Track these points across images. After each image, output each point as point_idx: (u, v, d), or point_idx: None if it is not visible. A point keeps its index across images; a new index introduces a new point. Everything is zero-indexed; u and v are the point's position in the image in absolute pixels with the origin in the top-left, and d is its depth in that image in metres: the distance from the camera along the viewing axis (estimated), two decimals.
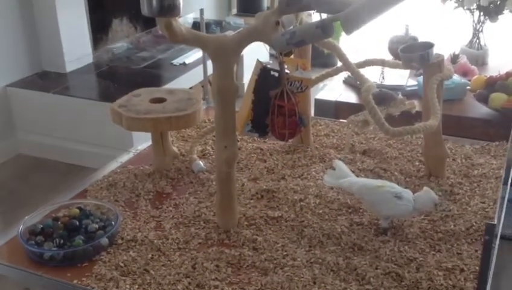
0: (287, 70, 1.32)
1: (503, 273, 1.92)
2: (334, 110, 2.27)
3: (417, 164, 1.50)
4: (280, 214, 1.28)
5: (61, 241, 1.17)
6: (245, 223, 1.25)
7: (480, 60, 2.69)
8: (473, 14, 2.67)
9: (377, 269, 1.10)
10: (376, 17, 1.00)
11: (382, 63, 1.49)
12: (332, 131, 1.71)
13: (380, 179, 1.34)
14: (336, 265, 1.11)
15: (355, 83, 2.32)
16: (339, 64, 1.43)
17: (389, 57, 2.58)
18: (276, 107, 1.28)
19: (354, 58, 1.40)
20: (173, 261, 1.14)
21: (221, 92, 1.15)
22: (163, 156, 1.49)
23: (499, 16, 2.60)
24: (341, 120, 1.79)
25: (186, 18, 3.51)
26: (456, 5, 2.65)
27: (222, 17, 4.10)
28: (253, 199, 1.36)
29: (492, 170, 1.46)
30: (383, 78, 2.24)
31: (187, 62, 3.10)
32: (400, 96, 1.41)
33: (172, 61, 3.12)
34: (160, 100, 1.51)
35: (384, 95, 1.40)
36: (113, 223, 1.22)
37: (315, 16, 1.20)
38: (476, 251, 1.15)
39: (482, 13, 2.64)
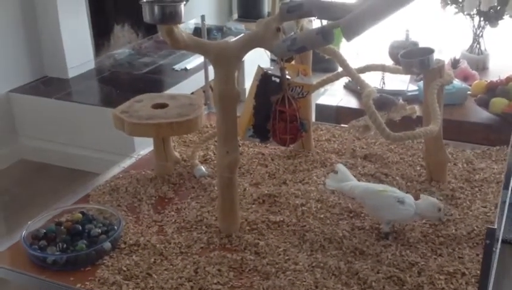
0: (288, 76, 1.33)
1: (505, 278, 1.92)
2: (335, 115, 2.28)
3: (418, 168, 1.51)
4: (282, 219, 1.29)
5: (64, 245, 1.18)
6: (247, 228, 1.26)
7: (480, 65, 2.70)
8: (473, 19, 2.68)
9: (378, 273, 1.10)
10: (376, 23, 1.01)
11: (382, 68, 1.50)
12: (333, 136, 1.72)
13: (381, 184, 1.34)
14: (338, 269, 1.11)
15: (355, 88, 2.33)
16: (340, 69, 1.44)
17: (389, 62, 2.59)
18: (277, 112, 1.29)
19: (354, 64, 1.41)
20: (175, 265, 1.15)
21: (222, 97, 1.15)
22: (165, 161, 1.50)
23: (499, 21, 2.61)
24: (342, 125, 1.80)
25: (187, 24, 3.52)
26: (456, 10, 2.66)
27: (223, 23, 4.11)
28: (255, 203, 1.36)
29: (493, 174, 1.47)
30: (384, 83, 2.25)
31: (188, 68, 3.11)
32: (401, 101, 1.41)
33: (173, 67, 3.13)
34: (162, 106, 1.52)
35: (385, 100, 1.40)
36: (115, 227, 1.23)
37: (316, 23, 1.22)
38: (478, 255, 1.15)
39: (482, 18, 2.65)
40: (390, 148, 1.63)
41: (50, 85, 2.90)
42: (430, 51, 1.28)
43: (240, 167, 1.48)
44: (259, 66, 1.35)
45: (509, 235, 2.06)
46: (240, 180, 1.44)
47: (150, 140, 1.53)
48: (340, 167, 1.30)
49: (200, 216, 1.31)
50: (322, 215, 1.30)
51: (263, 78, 1.33)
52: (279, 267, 1.13)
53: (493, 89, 2.09)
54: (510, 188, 1.39)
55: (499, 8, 2.56)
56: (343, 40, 1.04)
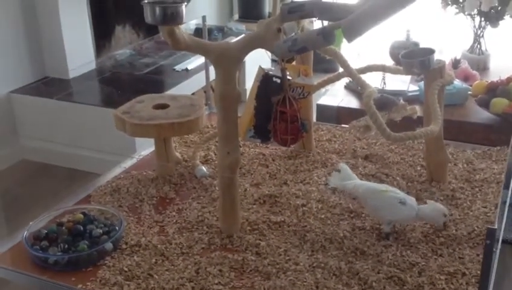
0: (289, 77, 1.33)
1: (505, 278, 1.92)
2: (335, 115, 2.28)
3: (419, 168, 1.51)
4: (282, 219, 1.29)
5: (66, 246, 1.18)
6: (248, 228, 1.26)
7: (481, 65, 2.71)
8: (473, 20, 2.68)
9: (379, 273, 1.10)
10: (377, 24, 1.01)
11: (383, 68, 1.50)
12: (334, 136, 1.72)
13: (384, 184, 1.34)
14: (338, 269, 1.11)
15: (356, 88, 2.34)
16: (341, 70, 1.44)
17: (390, 62, 2.59)
18: (278, 113, 1.29)
19: (355, 64, 1.42)
20: (177, 265, 1.15)
21: (223, 98, 1.16)
22: (166, 162, 1.50)
23: (500, 21, 2.61)
24: (343, 125, 1.80)
25: (188, 24, 3.53)
26: (457, 10, 2.67)
27: (224, 23, 4.12)
28: (256, 204, 1.37)
29: (494, 174, 1.47)
30: (385, 83, 2.25)
31: (189, 68, 3.11)
32: (401, 101, 1.41)
33: (174, 67, 3.14)
34: (163, 106, 1.52)
35: (386, 101, 1.40)
36: (117, 228, 1.23)
37: (317, 23, 1.22)
38: (478, 255, 1.15)
39: (482, 18, 2.65)
40: (391, 149, 1.63)
41: (51, 86, 2.90)
42: (430, 52, 1.28)
43: (240, 167, 1.49)
44: (260, 67, 1.35)
45: (509, 235, 2.06)
46: (241, 181, 1.44)
47: (151, 140, 1.53)
48: (343, 166, 1.30)
49: (201, 216, 1.31)
50: (322, 216, 1.30)
51: (264, 78, 1.33)
52: (280, 267, 1.13)
53: (494, 90, 2.09)
54: (510, 189, 1.39)
55: (499, 8, 2.56)
56: (344, 40, 1.04)
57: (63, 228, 1.24)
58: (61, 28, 2.84)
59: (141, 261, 1.16)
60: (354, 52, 3.32)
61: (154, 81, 3.00)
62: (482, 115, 2.13)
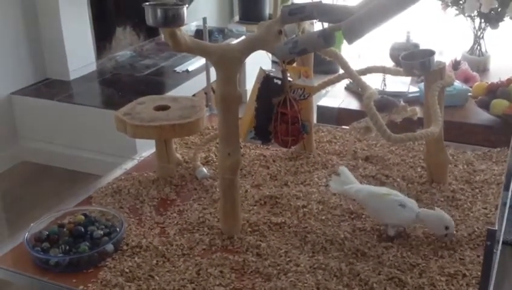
0: (289, 78, 1.33)
1: (506, 279, 1.92)
2: (336, 116, 2.29)
3: (419, 170, 1.51)
4: (283, 220, 1.29)
5: (67, 247, 1.18)
6: (248, 229, 1.27)
7: (481, 67, 2.71)
8: (473, 21, 2.69)
9: (379, 274, 1.11)
10: (377, 26, 1.02)
11: (383, 70, 1.51)
12: (335, 137, 1.73)
13: (383, 186, 1.35)
14: (339, 271, 1.12)
15: (357, 89, 2.34)
16: (341, 71, 1.44)
17: (390, 63, 2.60)
18: (279, 114, 1.29)
19: (355, 66, 1.42)
20: (178, 267, 1.15)
21: (224, 100, 1.16)
22: (167, 163, 1.50)
23: (500, 23, 2.62)
24: (343, 127, 1.80)
25: (189, 26, 3.53)
26: (457, 12, 2.67)
27: (224, 25, 4.13)
28: (257, 205, 1.37)
29: (494, 176, 1.47)
30: (385, 85, 2.26)
31: (190, 69, 3.12)
32: (402, 103, 1.42)
33: (175, 69, 3.14)
34: (164, 108, 1.52)
35: (386, 102, 1.41)
36: (118, 229, 1.23)
37: (317, 25, 1.22)
38: (478, 256, 1.16)
39: (482, 20, 2.66)
40: (391, 150, 1.63)
41: (52, 87, 2.91)
42: (431, 53, 1.28)
43: (241, 168, 1.49)
44: (261, 68, 1.36)
45: (509, 236, 2.06)
46: (242, 182, 1.45)
47: (152, 142, 1.54)
48: (342, 169, 1.30)
49: (202, 218, 1.31)
50: (323, 217, 1.30)
51: (265, 80, 1.33)
52: (281, 268, 1.13)
53: (494, 91, 2.10)
54: (511, 190, 1.39)
55: (499, 9, 2.56)
56: (344, 42, 1.05)
57: (64, 229, 1.24)
58: (61, 30, 2.84)
59: (142, 263, 1.16)
60: (355, 53, 3.33)
61: (154, 83, 3.01)
62: (482, 116, 2.13)
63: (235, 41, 3.42)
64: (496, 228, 0.96)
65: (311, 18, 1.16)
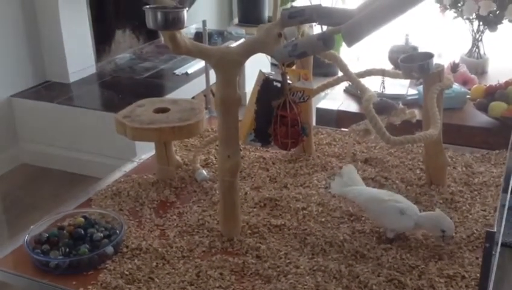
0: (289, 81, 1.34)
1: (505, 280, 1.93)
2: (335, 119, 2.29)
3: (418, 172, 1.52)
4: (283, 222, 1.29)
5: (67, 249, 1.18)
6: (248, 232, 1.27)
7: (479, 69, 2.72)
8: (472, 24, 2.70)
9: (379, 276, 1.11)
10: (377, 29, 1.02)
11: (382, 72, 1.51)
12: (334, 140, 1.73)
13: (384, 189, 1.35)
14: (339, 273, 1.12)
15: (356, 92, 2.35)
16: (340, 74, 1.45)
17: (389, 66, 2.61)
18: (278, 117, 1.30)
19: (354, 68, 1.43)
20: (177, 269, 1.15)
21: (224, 102, 1.16)
22: (166, 166, 1.51)
23: (498, 26, 2.63)
24: (342, 129, 1.81)
25: (188, 28, 3.54)
26: (456, 14, 2.68)
27: (224, 27, 4.13)
28: (256, 207, 1.37)
29: (493, 178, 1.48)
30: (384, 87, 2.26)
31: (189, 72, 3.13)
32: (401, 105, 1.42)
33: (174, 71, 3.15)
34: (164, 110, 1.53)
35: (385, 105, 1.41)
36: (117, 231, 1.24)
37: (317, 28, 1.23)
38: (477, 258, 1.16)
39: (481, 23, 2.67)
40: (390, 152, 1.64)
41: (51, 90, 2.91)
42: (429, 56, 1.29)
43: (241, 171, 1.49)
44: (260, 71, 1.36)
45: (508, 238, 2.07)
46: (241, 184, 1.45)
47: (151, 144, 1.54)
48: (349, 169, 1.30)
49: (202, 220, 1.31)
50: (323, 219, 1.31)
51: (264, 83, 1.34)
52: (281, 270, 1.14)
53: (492, 93, 2.10)
54: (509, 192, 1.40)
55: (497, 12, 2.57)
56: (344, 44, 1.05)
57: (64, 231, 1.24)
58: (61, 32, 2.85)
59: (142, 265, 1.16)
60: (354, 56, 3.34)
61: (154, 85, 3.01)
62: (480, 118, 2.14)
63: (234, 43, 3.43)
64: (495, 230, 0.96)
65: (310, 21, 1.16)
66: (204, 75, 1.94)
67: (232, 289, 1.10)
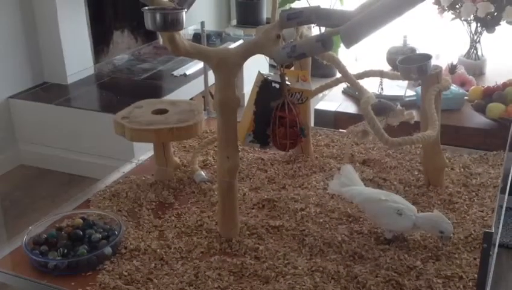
0: (287, 82, 1.34)
1: (502, 281, 1.93)
2: (333, 120, 2.30)
3: (416, 173, 1.52)
4: (281, 223, 1.30)
5: (65, 250, 1.18)
6: (247, 232, 1.27)
7: (477, 71, 2.73)
8: (470, 25, 2.70)
9: (377, 277, 1.11)
10: (375, 31, 1.03)
11: (381, 74, 1.52)
12: (332, 141, 1.73)
13: (383, 190, 1.35)
14: (337, 273, 1.12)
15: (354, 93, 2.35)
16: (339, 75, 1.45)
17: (387, 67, 2.61)
18: (277, 118, 1.30)
19: (353, 69, 1.43)
20: (176, 270, 1.15)
21: (223, 104, 1.17)
22: (165, 167, 1.51)
23: (496, 27, 2.63)
24: (340, 130, 1.81)
25: (186, 30, 3.54)
26: (454, 16, 2.69)
27: (222, 29, 4.14)
28: (255, 208, 1.37)
29: (491, 179, 1.48)
30: (382, 88, 2.27)
31: (188, 73, 3.13)
32: (399, 106, 1.42)
33: (173, 72, 3.15)
34: (162, 111, 1.53)
35: (383, 106, 1.41)
36: (116, 232, 1.24)
37: (315, 29, 1.23)
38: (475, 258, 1.16)
39: (479, 24, 2.67)
40: (388, 153, 1.64)
41: (49, 91, 2.91)
42: (427, 57, 1.29)
43: (239, 172, 1.49)
44: (259, 72, 1.36)
45: (506, 239, 2.07)
46: (240, 185, 1.45)
47: (150, 145, 1.54)
48: (347, 169, 1.30)
49: (200, 221, 1.32)
50: (321, 220, 1.31)
51: (263, 84, 1.34)
52: (279, 271, 1.14)
53: (490, 95, 2.11)
54: (507, 193, 1.40)
55: (495, 14, 2.58)
56: (342, 46, 1.05)
57: (63, 232, 1.24)
58: (59, 34, 2.85)
59: (140, 266, 1.16)
60: (352, 57, 3.34)
61: (152, 87, 3.01)
62: (478, 120, 2.15)
63: (232, 45, 3.43)
64: (493, 231, 0.97)
65: (309, 22, 1.17)
66: (202, 76, 1.94)
67: (231, 289, 1.10)
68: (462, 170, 1.54)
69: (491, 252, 0.97)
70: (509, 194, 1.42)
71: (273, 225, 1.29)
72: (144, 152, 1.69)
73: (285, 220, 1.31)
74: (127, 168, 1.61)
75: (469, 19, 2.65)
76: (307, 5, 1.16)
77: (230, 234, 1.25)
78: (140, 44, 3.53)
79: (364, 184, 1.43)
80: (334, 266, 1.14)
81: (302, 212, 1.34)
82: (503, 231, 2.10)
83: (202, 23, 1.87)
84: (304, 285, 1.09)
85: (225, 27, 4.27)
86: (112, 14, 3.29)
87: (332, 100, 2.41)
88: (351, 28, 1.03)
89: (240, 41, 3.53)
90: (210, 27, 3.97)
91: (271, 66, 2.55)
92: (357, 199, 1.25)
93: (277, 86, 1.33)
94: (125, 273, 1.14)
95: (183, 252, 1.21)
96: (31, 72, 2.92)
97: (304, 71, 1.49)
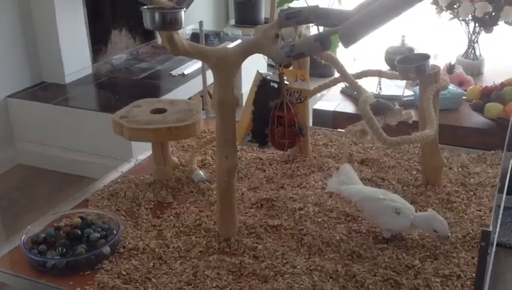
0: (286, 82, 1.34)
1: (500, 280, 1.93)
2: (332, 120, 2.30)
3: (414, 173, 1.52)
4: (280, 223, 1.30)
5: (64, 250, 1.19)
6: (245, 232, 1.27)
7: (475, 70, 2.73)
8: (468, 25, 2.71)
9: (375, 276, 1.11)
10: (373, 30, 1.03)
11: (379, 74, 1.52)
12: (331, 141, 1.74)
13: (382, 189, 1.35)
14: (335, 272, 1.12)
15: (352, 93, 2.35)
16: (337, 75, 1.45)
17: (385, 67, 2.62)
18: (276, 117, 1.30)
19: (351, 69, 1.43)
20: (174, 269, 1.16)
21: (222, 103, 1.17)
22: (163, 166, 1.51)
23: (494, 27, 2.64)
24: (339, 130, 1.81)
25: (184, 29, 3.54)
26: (452, 16, 2.69)
27: (220, 28, 4.13)
28: (253, 207, 1.38)
29: (488, 178, 1.49)
30: (380, 88, 2.27)
31: (186, 73, 3.12)
32: (397, 106, 1.43)
33: (171, 72, 3.14)
34: (161, 111, 1.53)
35: (381, 105, 1.42)
36: (114, 232, 1.24)
37: (314, 29, 1.23)
38: (473, 258, 1.17)
39: (477, 24, 2.68)
40: (386, 153, 1.64)
41: (48, 90, 2.90)
42: (426, 57, 1.30)
43: (238, 171, 1.49)
44: (258, 72, 1.36)
45: (503, 238, 2.08)
46: (238, 185, 1.45)
47: (148, 145, 1.54)
48: (346, 168, 1.30)
49: (199, 220, 1.32)
50: (319, 219, 1.31)
51: (262, 83, 1.34)
52: (278, 270, 1.14)
53: (488, 94, 2.11)
54: (505, 192, 1.41)
55: (493, 14, 2.58)
56: (340, 45, 1.06)
57: (61, 232, 1.24)
58: (57, 33, 2.84)
59: (139, 265, 1.16)
60: (350, 57, 3.34)
61: (150, 86, 3.01)
62: (476, 119, 2.15)
63: (230, 44, 3.43)
64: (490, 230, 0.97)
65: (307, 22, 1.17)
66: (200, 75, 1.94)
67: (229, 289, 1.10)
68: (460, 169, 1.55)
69: (489, 251, 0.97)
70: (507, 194, 1.42)
71: (272, 225, 1.29)
72: (142, 151, 1.69)
73: (283, 220, 1.31)
74: (126, 167, 1.61)
75: (467, 18, 2.65)
76: (306, 5, 1.16)
77: (229, 233, 1.25)
78: (138, 43, 3.52)
79: (363, 183, 1.44)
80: (332, 265, 1.14)
81: (301, 212, 1.34)
82: (501, 230, 2.10)
83: (200, 23, 1.87)
84: (302, 284, 1.09)
85: (223, 27, 4.26)
86: (110, 13, 3.28)
87: (331, 100, 2.41)
88: (349, 28, 1.03)
89: (238, 41, 3.53)
90: (208, 27, 3.96)
91: (269, 65, 2.55)
92: (355, 197, 1.25)
93: (275, 85, 1.33)
94: (124, 273, 1.14)
95: (181, 251, 1.21)
96: (29, 72, 2.91)
97: (302, 71, 1.49)
